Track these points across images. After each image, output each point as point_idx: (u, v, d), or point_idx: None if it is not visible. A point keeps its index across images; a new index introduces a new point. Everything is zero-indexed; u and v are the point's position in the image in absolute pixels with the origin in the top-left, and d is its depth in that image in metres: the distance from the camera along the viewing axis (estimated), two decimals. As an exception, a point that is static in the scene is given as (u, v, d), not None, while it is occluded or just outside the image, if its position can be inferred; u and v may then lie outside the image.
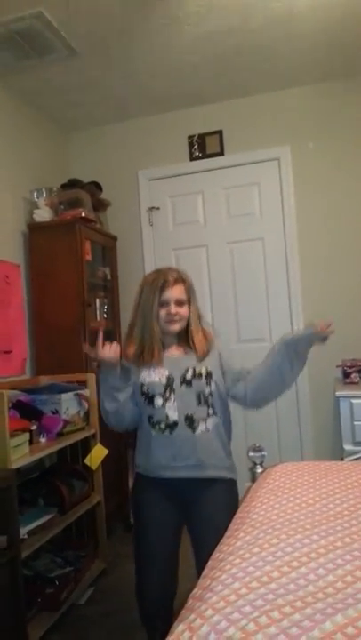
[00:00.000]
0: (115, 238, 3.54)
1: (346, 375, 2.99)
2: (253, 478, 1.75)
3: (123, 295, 3.43)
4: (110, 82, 3.14)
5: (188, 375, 1.70)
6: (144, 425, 1.74)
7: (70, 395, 2.62)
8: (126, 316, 2.05)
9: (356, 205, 3.26)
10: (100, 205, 3.41)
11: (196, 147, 3.56)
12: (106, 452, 2.68)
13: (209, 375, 1.71)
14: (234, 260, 3.50)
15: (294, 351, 1.63)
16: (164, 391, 1.68)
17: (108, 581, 2.66)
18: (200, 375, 1.70)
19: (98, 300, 3.29)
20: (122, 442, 3.14)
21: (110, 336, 3.12)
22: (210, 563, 1.08)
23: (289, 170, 3.37)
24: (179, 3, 2.44)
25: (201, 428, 1.68)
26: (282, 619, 0.79)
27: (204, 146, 3.54)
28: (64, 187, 3.29)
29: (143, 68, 3.01)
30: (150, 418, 1.71)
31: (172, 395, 1.68)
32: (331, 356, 3.11)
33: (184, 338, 1.76)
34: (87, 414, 2.73)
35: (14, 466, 2.03)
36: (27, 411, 2.42)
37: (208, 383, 1.71)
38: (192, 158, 3.56)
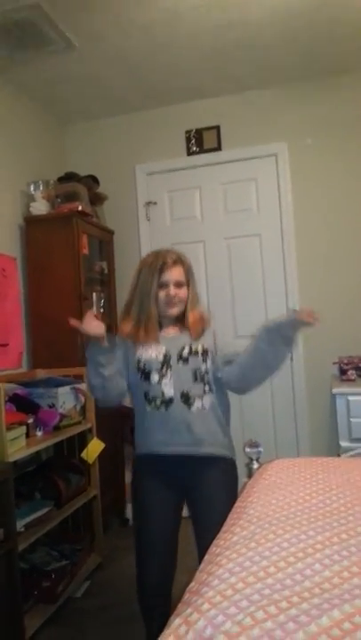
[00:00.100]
0: (111, 232, 3.53)
1: (342, 372, 3.00)
2: (250, 474, 1.76)
3: (119, 289, 3.41)
4: (108, 75, 3.11)
5: (185, 352, 1.70)
6: (140, 401, 1.74)
7: (67, 388, 2.63)
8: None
9: (353, 202, 3.26)
10: (96, 199, 3.40)
11: (193, 142, 3.54)
12: (102, 446, 2.69)
13: (205, 352, 1.72)
14: (231, 255, 3.50)
15: (280, 336, 1.61)
16: (161, 367, 1.69)
17: (104, 575, 2.68)
18: (196, 352, 1.71)
19: (95, 294, 3.29)
20: (118, 436, 3.15)
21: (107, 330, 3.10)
22: (206, 557, 1.09)
23: (286, 166, 3.37)
24: (178, -4, 2.42)
25: (197, 404, 1.68)
26: (278, 613, 0.80)
27: (201, 141, 3.52)
28: (61, 180, 3.27)
29: (141, 62, 2.99)
30: (146, 394, 1.71)
31: (169, 371, 1.68)
32: (328, 353, 3.13)
33: (181, 319, 1.77)
34: (84, 408, 2.73)
35: (11, 459, 2.03)
36: (23, 404, 2.43)
37: (204, 360, 1.71)
38: (189, 153, 3.55)
